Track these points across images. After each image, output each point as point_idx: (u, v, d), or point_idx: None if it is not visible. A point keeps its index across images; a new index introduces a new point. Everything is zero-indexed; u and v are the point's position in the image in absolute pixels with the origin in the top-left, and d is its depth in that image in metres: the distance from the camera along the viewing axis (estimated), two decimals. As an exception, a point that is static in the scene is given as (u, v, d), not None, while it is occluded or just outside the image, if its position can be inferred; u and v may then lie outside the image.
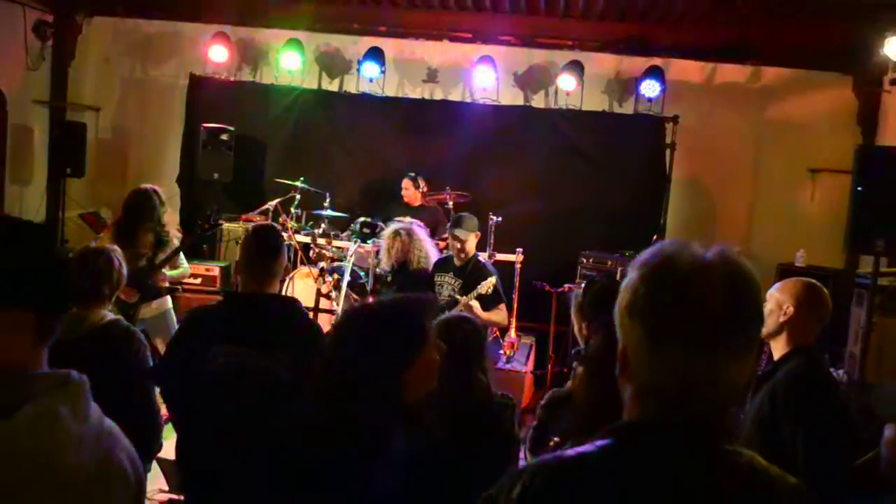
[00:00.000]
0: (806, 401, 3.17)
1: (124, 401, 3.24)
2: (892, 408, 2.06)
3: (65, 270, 1.67)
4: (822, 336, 3.48)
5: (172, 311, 6.16)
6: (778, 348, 3.41)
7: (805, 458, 3.00)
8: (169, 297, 6.18)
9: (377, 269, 7.00)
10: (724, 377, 1.36)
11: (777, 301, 3.39)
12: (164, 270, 5.95)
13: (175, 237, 6.13)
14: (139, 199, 5.97)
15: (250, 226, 3.46)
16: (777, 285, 3.48)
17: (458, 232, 6.26)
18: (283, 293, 7.73)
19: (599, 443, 1.37)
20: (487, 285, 5.94)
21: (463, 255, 6.30)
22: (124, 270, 3.69)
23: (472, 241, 6.26)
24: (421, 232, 6.69)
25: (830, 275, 7.75)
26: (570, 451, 1.39)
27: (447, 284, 6.37)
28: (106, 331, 3.47)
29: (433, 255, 6.62)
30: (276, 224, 3.53)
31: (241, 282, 3.32)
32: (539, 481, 1.35)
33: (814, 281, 3.46)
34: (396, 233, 6.50)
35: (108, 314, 3.56)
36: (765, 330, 3.41)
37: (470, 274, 6.19)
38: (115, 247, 3.76)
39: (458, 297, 6.07)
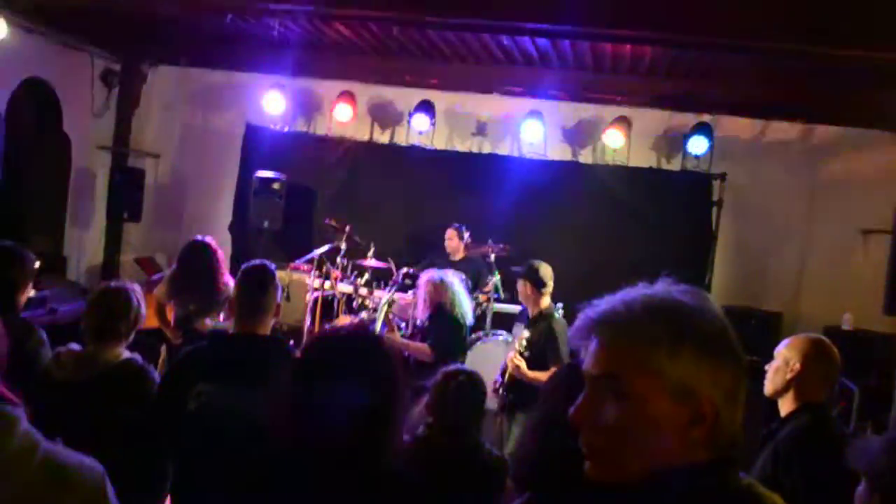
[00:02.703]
0: (808, 458, 3.11)
1: (133, 441, 3.34)
2: (865, 460, 2.01)
3: None
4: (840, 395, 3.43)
5: None
6: (785, 405, 3.37)
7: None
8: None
9: (417, 322, 7.00)
10: None
11: (784, 357, 3.36)
12: (211, 318, 6.07)
13: (227, 286, 6.24)
14: (194, 249, 6.21)
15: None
16: (785, 342, 3.44)
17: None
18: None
19: None
20: (521, 339, 5.75)
21: (531, 306, 6.17)
22: (143, 310, 3.75)
23: (524, 290, 6.10)
24: (455, 280, 6.65)
25: (878, 339, 7.58)
26: None
27: (517, 336, 6.27)
28: (119, 370, 3.53)
29: (466, 304, 6.58)
30: (268, 262, 3.55)
31: (233, 320, 3.36)
32: None
33: (822, 337, 3.42)
34: (429, 279, 6.51)
35: (125, 352, 3.61)
36: (772, 387, 3.38)
37: (536, 327, 6.03)
38: (136, 286, 3.83)
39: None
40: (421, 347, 6.21)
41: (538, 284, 6.00)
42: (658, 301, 1.37)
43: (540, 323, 5.92)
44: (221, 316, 6.03)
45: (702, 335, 1.34)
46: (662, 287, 1.41)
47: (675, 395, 1.32)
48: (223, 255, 6.36)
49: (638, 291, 1.41)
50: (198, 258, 6.16)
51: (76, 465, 1.65)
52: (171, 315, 6.23)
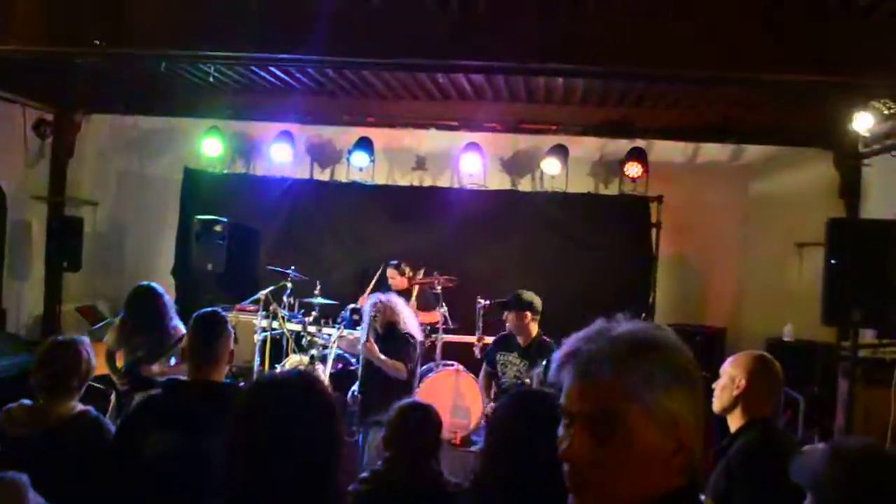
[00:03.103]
0: (758, 473, 3.20)
1: (90, 492, 3.30)
2: (807, 474, 2.10)
3: None
4: (780, 407, 3.54)
5: None
6: (734, 422, 3.46)
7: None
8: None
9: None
10: None
11: (730, 375, 3.46)
12: (159, 363, 6.00)
13: (176, 329, 6.18)
14: (140, 295, 6.16)
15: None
16: (729, 360, 3.55)
17: (508, 311, 6.38)
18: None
19: None
20: (540, 373, 5.86)
21: (525, 335, 6.35)
22: (93, 361, 3.71)
23: (523, 320, 6.33)
24: (399, 300, 6.75)
25: (819, 348, 7.76)
26: None
27: (511, 365, 6.40)
28: (74, 423, 3.49)
29: (414, 322, 6.64)
30: (219, 309, 3.58)
31: (187, 368, 3.37)
32: None
33: (765, 353, 3.54)
34: (374, 302, 6.55)
35: (78, 405, 3.57)
36: (720, 404, 3.47)
37: (535, 354, 6.21)
38: (84, 338, 3.79)
39: (525, 380, 6.04)
40: (397, 364, 6.22)
41: (535, 312, 6.42)
42: (639, 337, 1.41)
43: (539, 350, 6.22)
44: (172, 360, 5.98)
45: (681, 368, 1.40)
46: (630, 323, 1.45)
47: (664, 428, 1.36)
48: (170, 299, 6.33)
49: (614, 328, 1.44)
50: (145, 303, 6.11)
51: None
52: (121, 362, 6.17)
